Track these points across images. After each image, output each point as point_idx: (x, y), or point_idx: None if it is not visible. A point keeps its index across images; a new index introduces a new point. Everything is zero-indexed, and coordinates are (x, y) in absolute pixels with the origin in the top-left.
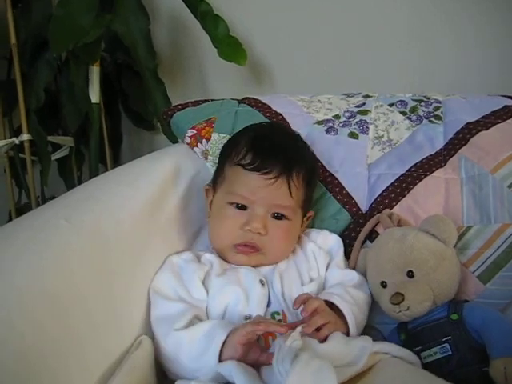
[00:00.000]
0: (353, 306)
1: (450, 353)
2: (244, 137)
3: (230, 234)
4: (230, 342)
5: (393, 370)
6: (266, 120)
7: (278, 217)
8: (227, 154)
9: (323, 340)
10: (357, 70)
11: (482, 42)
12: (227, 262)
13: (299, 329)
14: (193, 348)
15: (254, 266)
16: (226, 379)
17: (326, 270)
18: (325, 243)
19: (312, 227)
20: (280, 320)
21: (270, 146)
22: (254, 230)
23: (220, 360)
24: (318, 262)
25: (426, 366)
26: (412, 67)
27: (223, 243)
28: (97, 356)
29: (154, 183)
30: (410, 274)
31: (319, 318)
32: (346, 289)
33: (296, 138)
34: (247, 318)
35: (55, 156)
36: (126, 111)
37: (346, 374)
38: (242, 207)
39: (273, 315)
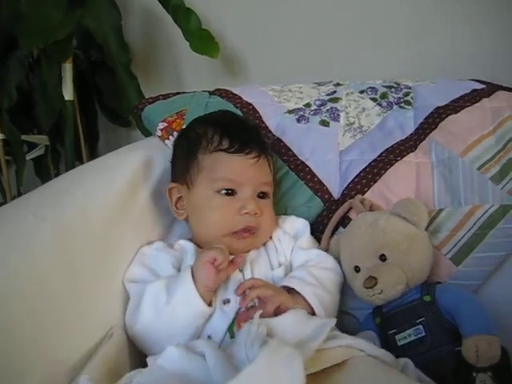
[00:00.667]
0: (315, 287)
1: (424, 334)
2: (208, 125)
3: (229, 221)
4: (198, 265)
5: (366, 368)
6: (237, 111)
7: (262, 196)
8: (196, 144)
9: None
10: (333, 63)
11: (480, 42)
12: None
13: (258, 313)
14: (169, 286)
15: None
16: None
17: (291, 253)
18: (291, 227)
19: (285, 215)
20: (255, 304)
21: (241, 128)
22: (252, 212)
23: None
24: (284, 246)
25: (401, 349)
26: (404, 63)
27: (220, 233)
28: (75, 341)
29: (125, 176)
30: (383, 258)
31: (252, 291)
32: (308, 270)
33: (249, 119)
34: (225, 302)
35: (31, 155)
36: (102, 108)
37: (308, 350)
38: (231, 193)
39: None
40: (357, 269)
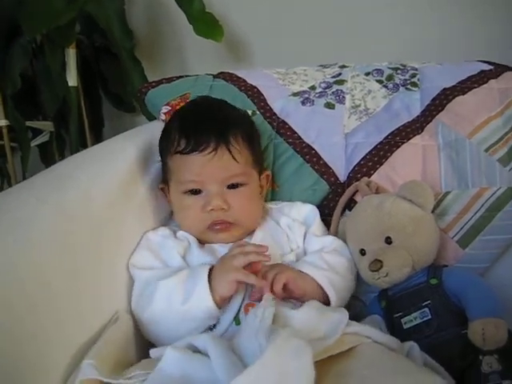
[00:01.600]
0: (327, 271)
1: (430, 317)
2: (172, 124)
3: (197, 220)
4: (221, 279)
5: (372, 355)
6: (241, 94)
7: (234, 186)
8: (163, 147)
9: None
10: (337, 46)
11: (483, 31)
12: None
13: (267, 296)
14: (185, 286)
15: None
16: (198, 349)
17: (304, 240)
18: (299, 214)
19: (290, 199)
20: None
21: (197, 123)
22: (216, 208)
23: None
24: (296, 234)
25: (407, 332)
26: (401, 45)
27: (195, 231)
28: (76, 330)
29: (128, 161)
30: (389, 241)
31: (260, 282)
32: (320, 255)
33: (222, 104)
34: None
35: (35, 142)
36: (106, 94)
37: (320, 347)
38: (197, 192)
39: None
40: (362, 252)
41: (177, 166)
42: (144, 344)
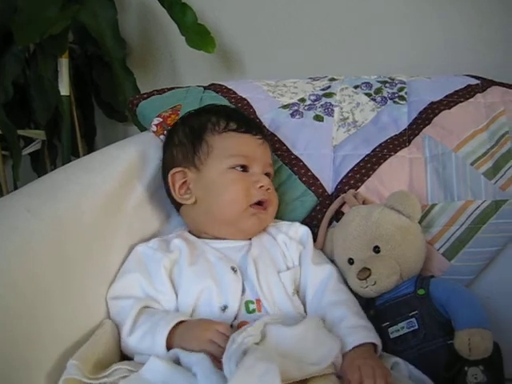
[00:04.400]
0: (367, 321)
1: (417, 327)
2: (209, 113)
3: (246, 194)
4: (199, 341)
5: None
6: (231, 105)
7: (268, 175)
8: (201, 128)
9: None
10: (328, 57)
11: (474, 37)
12: (221, 237)
13: (258, 323)
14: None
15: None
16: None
17: (300, 262)
18: (296, 233)
19: (278, 210)
20: (254, 309)
21: (243, 115)
22: (266, 186)
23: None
24: (292, 253)
25: (393, 341)
26: (399, 56)
27: (239, 207)
28: (68, 331)
29: (119, 171)
30: (377, 250)
31: None
32: (351, 309)
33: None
34: (223, 308)
35: (27, 150)
36: (98, 103)
37: (311, 371)
38: (244, 169)
39: (247, 304)
40: (350, 261)
41: (227, 142)
42: None
